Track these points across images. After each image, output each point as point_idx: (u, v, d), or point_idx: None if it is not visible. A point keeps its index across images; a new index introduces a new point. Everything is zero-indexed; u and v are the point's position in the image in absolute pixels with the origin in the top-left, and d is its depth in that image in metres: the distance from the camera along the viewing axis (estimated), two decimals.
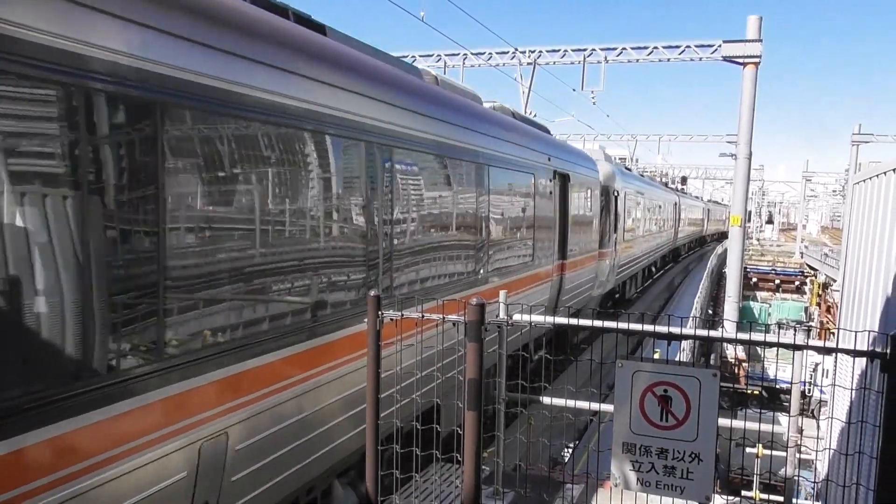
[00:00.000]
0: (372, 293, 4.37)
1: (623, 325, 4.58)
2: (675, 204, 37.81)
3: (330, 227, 5.34)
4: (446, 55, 21.91)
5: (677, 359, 10.10)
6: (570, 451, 10.58)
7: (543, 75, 24.22)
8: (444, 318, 4.27)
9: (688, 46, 19.75)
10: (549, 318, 5.06)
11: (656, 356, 11.23)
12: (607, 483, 5.34)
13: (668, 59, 20.43)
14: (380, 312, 4.34)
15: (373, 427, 4.42)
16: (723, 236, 69.53)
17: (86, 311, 3.28)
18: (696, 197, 63.14)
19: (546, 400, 5.66)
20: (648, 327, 4.72)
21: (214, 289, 4.16)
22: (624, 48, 20.76)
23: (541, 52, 21.51)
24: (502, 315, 5.18)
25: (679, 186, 53.29)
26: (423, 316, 4.43)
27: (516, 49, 21.51)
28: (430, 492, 5.53)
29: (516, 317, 5.09)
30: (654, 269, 31.23)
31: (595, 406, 5.54)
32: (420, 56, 21.88)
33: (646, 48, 20.55)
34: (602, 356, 4.49)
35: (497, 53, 21.91)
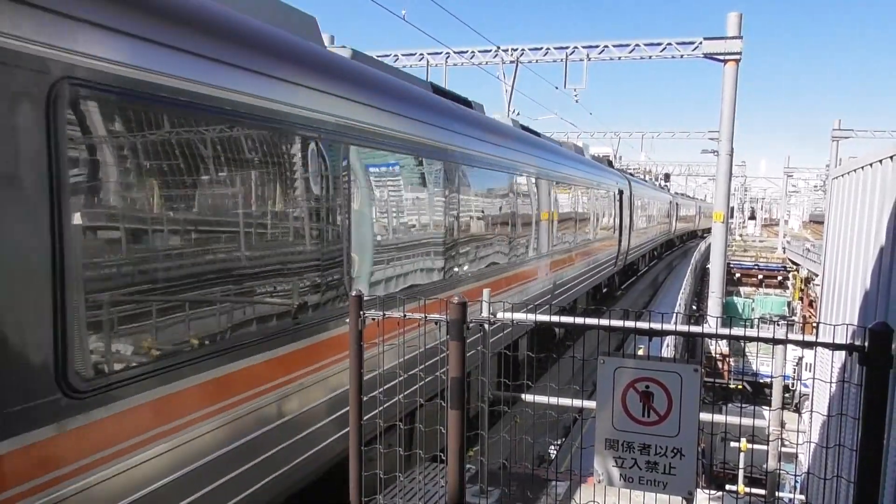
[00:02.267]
0: (354, 293, 4.34)
1: (606, 322, 4.57)
2: (624, 195, 22.59)
3: None
4: (429, 54, 21.89)
5: (661, 355, 10.14)
6: (557, 448, 10.59)
7: (526, 74, 24.22)
8: (426, 317, 4.25)
9: (669, 44, 19.86)
10: (532, 316, 5.04)
11: (640, 353, 11.27)
12: (591, 479, 5.35)
13: (650, 57, 20.52)
14: (361, 312, 4.32)
15: (356, 428, 4.39)
16: (692, 236, 67.59)
17: None
18: (661, 185, 48.80)
19: (529, 398, 5.65)
20: (630, 324, 4.71)
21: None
22: (606, 46, 20.83)
23: (523, 50, 21.54)
24: (485, 313, 5.16)
25: (663, 183, 52.45)
26: (405, 316, 4.41)
27: (499, 47, 21.53)
28: (414, 492, 5.51)
29: (499, 314, 5.07)
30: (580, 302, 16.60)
31: (579, 403, 5.53)
32: (402, 55, 21.86)
33: (627, 46, 20.64)
34: (586, 354, 4.49)
35: (479, 52, 21.92)
